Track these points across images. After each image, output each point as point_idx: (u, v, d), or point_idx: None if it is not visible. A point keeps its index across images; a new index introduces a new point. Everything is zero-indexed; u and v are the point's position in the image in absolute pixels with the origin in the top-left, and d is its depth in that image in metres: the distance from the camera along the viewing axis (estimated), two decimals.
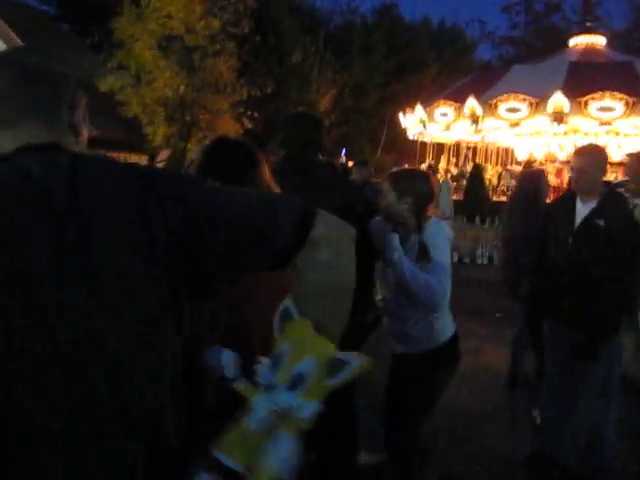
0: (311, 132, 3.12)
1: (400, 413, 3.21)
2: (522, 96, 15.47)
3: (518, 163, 18.89)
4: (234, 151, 1.95)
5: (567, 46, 20.10)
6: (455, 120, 17.11)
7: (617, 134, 15.47)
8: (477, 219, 14.31)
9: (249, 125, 19.25)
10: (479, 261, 13.25)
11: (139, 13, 16.54)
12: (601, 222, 3.58)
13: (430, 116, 17.77)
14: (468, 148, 22.26)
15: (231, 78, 18.18)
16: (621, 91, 14.63)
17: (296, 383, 1.22)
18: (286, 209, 1.28)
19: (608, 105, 14.78)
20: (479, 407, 5.12)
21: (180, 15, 16.62)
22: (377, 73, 30.06)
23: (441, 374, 3.20)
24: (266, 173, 1.94)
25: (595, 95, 14.76)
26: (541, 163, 16.18)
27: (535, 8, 39.54)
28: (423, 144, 21.17)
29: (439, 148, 22.11)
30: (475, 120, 16.09)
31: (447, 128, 17.80)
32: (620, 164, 12.83)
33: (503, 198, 15.98)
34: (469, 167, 18.90)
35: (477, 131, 17.02)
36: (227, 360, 1.46)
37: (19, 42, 14.50)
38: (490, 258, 13.17)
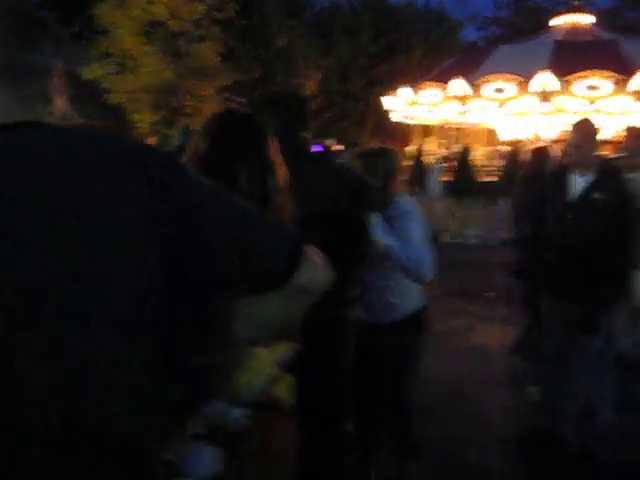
0: (296, 110, 3.07)
1: (383, 383, 3.26)
2: (509, 76, 15.45)
3: (503, 143, 18.90)
4: (246, 122, 1.90)
5: (553, 25, 20.06)
6: (442, 102, 17.07)
7: (604, 113, 15.49)
8: (467, 200, 14.33)
9: None
10: (469, 241, 13.28)
11: None
12: (598, 195, 3.63)
13: (416, 98, 17.72)
14: (457, 129, 22.26)
15: (216, 63, 18.07)
16: (608, 69, 14.64)
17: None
18: (276, 248, 1.19)
19: (595, 84, 14.80)
20: (472, 387, 5.13)
21: (164, 0, 16.47)
22: (363, 56, 29.95)
23: (418, 340, 3.34)
24: (275, 147, 1.90)
25: (581, 74, 14.77)
26: (529, 143, 16.20)
27: None
28: (410, 126, 21.14)
29: (427, 130, 22.10)
30: (462, 101, 16.07)
31: (434, 109, 17.76)
32: (609, 142, 12.87)
33: (492, 178, 16.00)
34: (457, 148, 18.89)
35: (463, 113, 17.02)
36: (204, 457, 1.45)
37: None
38: (480, 238, 13.20)
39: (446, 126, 21.80)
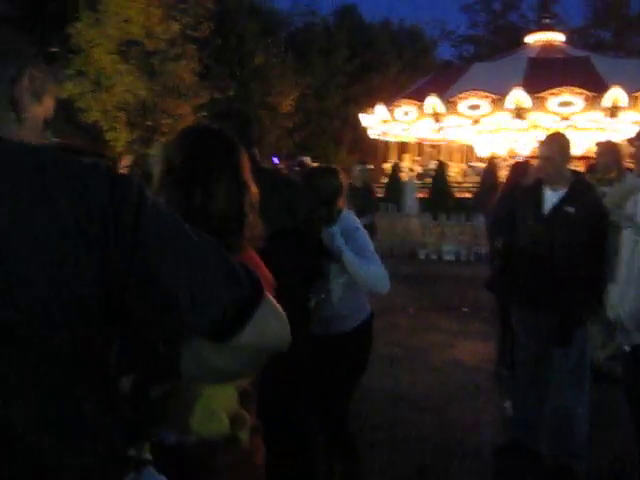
0: (243, 128, 2.91)
1: (333, 390, 3.28)
2: (483, 93, 15.63)
3: (480, 160, 19.04)
4: (219, 138, 1.88)
5: (526, 43, 20.37)
6: (418, 119, 17.21)
7: (577, 129, 15.69)
8: (443, 216, 14.39)
9: None
10: (445, 257, 13.34)
11: (97, 18, 16.34)
12: (570, 209, 3.64)
13: (392, 115, 17.85)
14: (432, 147, 22.43)
15: (192, 82, 18.07)
16: (580, 86, 14.87)
17: None
18: (220, 303, 1.07)
19: (567, 100, 15.01)
20: (449, 401, 5.12)
21: (139, 19, 16.47)
22: (339, 74, 30.11)
23: (367, 350, 3.38)
24: (248, 164, 1.87)
25: (554, 90, 14.99)
26: (504, 159, 16.34)
27: (493, 7, 39.92)
28: (386, 143, 21.26)
29: (402, 147, 22.24)
30: (437, 118, 16.22)
31: (409, 127, 17.90)
32: (581, 158, 13.03)
33: (468, 194, 16.10)
34: (433, 165, 19.00)
35: (438, 130, 17.16)
36: None
37: None
38: (456, 254, 13.28)
39: (423, 143, 21.98)
